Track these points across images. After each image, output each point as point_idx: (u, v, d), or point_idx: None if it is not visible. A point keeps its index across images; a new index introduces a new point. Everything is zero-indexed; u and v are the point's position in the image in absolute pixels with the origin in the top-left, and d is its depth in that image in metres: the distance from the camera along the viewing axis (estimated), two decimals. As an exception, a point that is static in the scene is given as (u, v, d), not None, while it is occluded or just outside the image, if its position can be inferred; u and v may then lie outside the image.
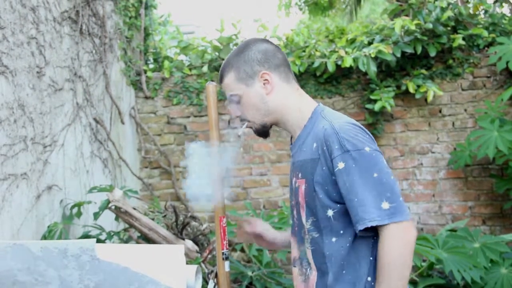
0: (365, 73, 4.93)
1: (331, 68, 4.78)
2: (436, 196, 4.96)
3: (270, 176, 5.13)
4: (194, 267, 1.69)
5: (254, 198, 5.10)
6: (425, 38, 4.73)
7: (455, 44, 4.77)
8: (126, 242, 3.80)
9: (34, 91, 3.43)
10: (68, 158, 3.89)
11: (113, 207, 3.53)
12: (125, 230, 3.84)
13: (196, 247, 3.55)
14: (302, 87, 5.02)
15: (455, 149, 4.90)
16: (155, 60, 5.51)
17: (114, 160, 4.69)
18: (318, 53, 4.93)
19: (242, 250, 4.26)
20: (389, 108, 4.69)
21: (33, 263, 1.51)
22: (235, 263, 3.80)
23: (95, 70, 4.43)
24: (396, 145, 5.03)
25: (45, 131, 3.58)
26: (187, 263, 1.70)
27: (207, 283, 3.29)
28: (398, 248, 1.52)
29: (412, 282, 3.73)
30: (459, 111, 4.97)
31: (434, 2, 4.88)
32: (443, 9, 4.79)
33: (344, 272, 1.61)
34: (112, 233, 3.76)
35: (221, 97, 4.73)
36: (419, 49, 4.74)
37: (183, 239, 3.58)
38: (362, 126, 1.68)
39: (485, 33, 4.85)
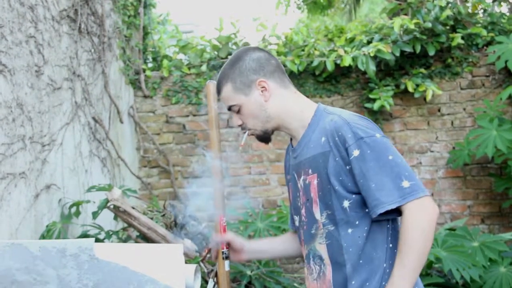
0: (364, 72, 4.92)
1: (330, 67, 4.78)
2: (435, 195, 4.96)
3: (269, 175, 5.13)
4: (193, 266, 1.69)
5: (253, 197, 5.10)
6: (424, 37, 4.73)
7: (454, 43, 4.77)
8: (125, 241, 3.80)
9: (32, 90, 3.43)
10: (66, 157, 3.88)
11: (111, 206, 3.52)
12: (124, 229, 3.84)
13: (195, 247, 3.54)
14: (301, 86, 5.04)
15: (454, 148, 4.90)
16: (154, 59, 5.50)
17: (113, 159, 4.69)
18: (317, 52, 4.92)
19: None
20: (388, 107, 4.70)
21: (31, 263, 1.51)
22: (234, 262, 3.80)
23: (93, 69, 4.42)
24: (395, 144, 5.02)
25: (44, 130, 3.57)
26: (186, 263, 1.70)
27: (206, 282, 3.29)
28: (422, 223, 1.55)
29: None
30: (458, 110, 4.97)
31: (433, 1, 4.88)
32: (442, 8, 4.79)
33: (361, 261, 1.64)
34: (111, 232, 3.75)
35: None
36: (418, 48, 4.74)
37: (182, 238, 3.58)
38: (366, 118, 1.74)
39: (484, 32, 4.85)
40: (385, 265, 1.64)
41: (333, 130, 1.66)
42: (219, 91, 1.85)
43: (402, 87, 4.83)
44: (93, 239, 1.49)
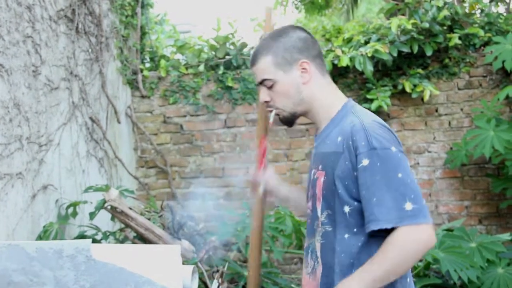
0: (362, 73, 4.92)
1: (327, 67, 4.78)
2: (433, 195, 4.96)
3: (267, 176, 5.12)
4: (190, 267, 1.69)
5: (251, 198, 5.08)
6: (422, 37, 4.73)
7: (451, 44, 4.77)
8: (122, 242, 3.79)
9: (29, 90, 3.42)
10: (63, 158, 3.87)
11: (109, 207, 3.52)
12: (121, 230, 3.83)
13: (192, 247, 3.54)
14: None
15: (451, 148, 4.91)
16: (152, 59, 5.49)
17: (110, 159, 4.68)
18: (314, 52, 4.91)
19: (239, 250, 4.26)
20: (385, 107, 4.70)
21: (28, 264, 1.51)
22: (231, 263, 3.80)
23: (91, 69, 4.41)
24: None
25: (41, 130, 3.56)
26: (183, 263, 1.70)
27: (203, 283, 3.28)
28: (409, 248, 1.50)
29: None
30: (455, 111, 4.97)
31: (430, 2, 4.88)
32: (439, 9, 4.79)
33: (353, 270, 1.59)
34: (108, 233, 3.75)
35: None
36: (416, 49, 4.73)
37: (180, 239, 3.58)
38: (390, 127, 1.66)
39: (481, 33, 4.85)
40: None
41: (349, 133, 1.60)
42: (255, 60, 1.75)
43: (400, 87, 4.84)
44: (90, 240, 1.49)
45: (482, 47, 4.96)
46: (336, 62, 4.80)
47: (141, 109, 5.25)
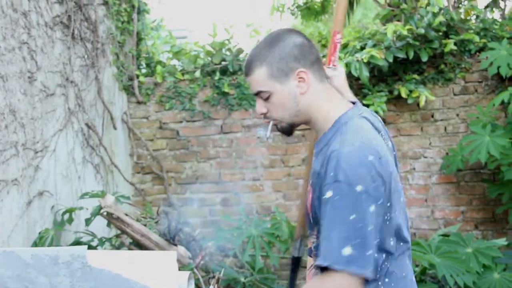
0: (358, 78, 4.93)
1: (323, 73, 4.78)
2: (429, 200, 4.97)
3: (263, 181, 5.12)
4: (186, 273, 1.68)
5: (247, 203, 5.08)
6: (417, 43, 4.75)
7: (446, 49, 4.79)
8: (118, 248, 3.79)
9: (25, 96, 3.41)
10: (59, 164, 3.87)
11: (105, 213, 3.51)
12: (117, 236, 3.82)
13: (188, 253, 3.53)
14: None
15: (447, 154, 4.92)
16: (148, 65, 5.49)
17: (106, 165, 4.67)
18: (310, 58, 4.92)
19: (235, 256, 4.25)
20: (381, 112, 4.70)
21: (23, 270, 1.50)
22: (227, 269, 3.79)
23: (87, 75, 4.41)
24: (388, 150, 5.03)
25: (37, 136, 3.56)
26: (179, 269, 1.69)
27: (199, 289, 3.27)
28: None
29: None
30: (451, 116, 4.98)
31: (425, 8, 4.90)
32: (434, 15, 4.81)
33: None
34: (104, 240, 3.74)
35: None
36: (411, 54, 4.75)
37: (176, 245, 3.57)
38: (380, 159, 1.50)
39: (476, 38, 4.87)
40: None
41: (327, 160, 1.52)
42: (249, 71, 1.63)
43: (396, 93, 4.85)
44: (86, 246, 1.48)
45: (477, 53, 4.98)
46: (332, 67, 4.80)
47: (137, 115, 5.25)
